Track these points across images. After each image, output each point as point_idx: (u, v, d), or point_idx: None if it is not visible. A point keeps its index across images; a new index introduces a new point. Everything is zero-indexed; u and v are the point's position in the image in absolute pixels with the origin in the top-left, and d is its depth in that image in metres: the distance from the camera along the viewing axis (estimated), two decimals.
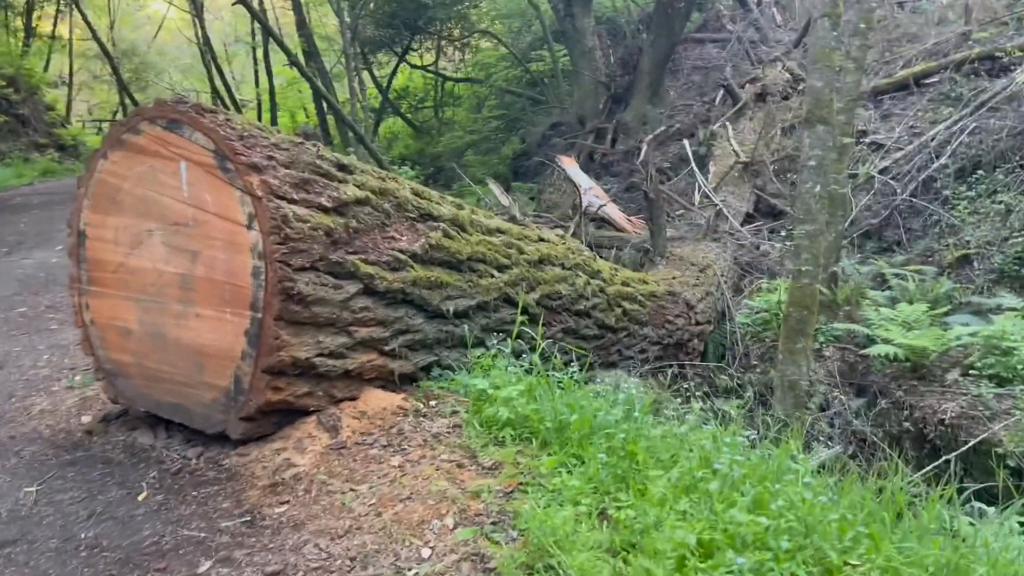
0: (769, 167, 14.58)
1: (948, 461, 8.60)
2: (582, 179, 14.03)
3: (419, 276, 4.97)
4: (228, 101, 26.15)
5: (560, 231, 7.79)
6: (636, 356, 8.96)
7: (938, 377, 9.84)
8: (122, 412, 4.87)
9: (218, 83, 25.27)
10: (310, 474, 4.03)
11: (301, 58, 17.53)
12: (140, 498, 4.00)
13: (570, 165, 14.38)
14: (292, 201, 4.18)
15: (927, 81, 14.72)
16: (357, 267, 4.47)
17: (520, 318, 5.61)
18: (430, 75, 26.69)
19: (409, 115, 26.74)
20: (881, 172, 13.65)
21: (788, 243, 13.34)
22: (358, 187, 4.73)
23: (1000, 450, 8.45)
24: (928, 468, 8.39)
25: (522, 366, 5.30)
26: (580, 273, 7.33)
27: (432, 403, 4.85)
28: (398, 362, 4.94)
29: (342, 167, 4.79)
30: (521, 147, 20.50)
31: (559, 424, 4.31)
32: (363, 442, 4.31)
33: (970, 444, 8.70)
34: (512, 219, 8.94)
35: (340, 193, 4.51)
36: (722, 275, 12.00)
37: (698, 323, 10.52)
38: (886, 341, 9.84)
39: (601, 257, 10.01)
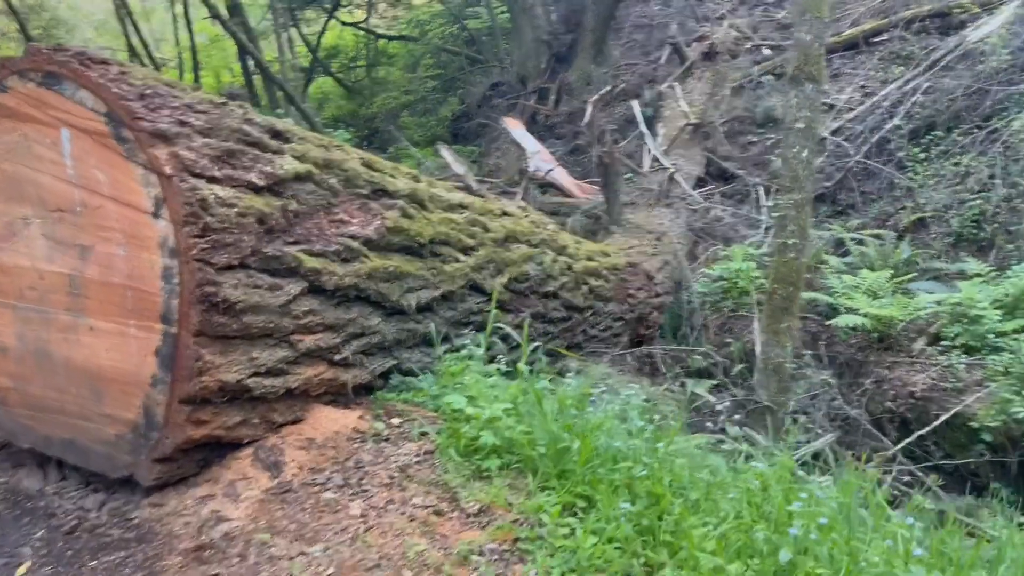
0: (720, 128, 13.80)
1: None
2: (528, 142, 13.04)
3: (375, 267, 3.98)
4: (147, 60, 24.22)
5: (523, 203, 6.88)
6: (600, 335, 8.13)
7: (905, 347, 9.27)
8: (1, 447, 3.79)
9: (135, 40, 23.29)
10: (246, 531, 3.06)
11: (224, 13, 16.03)
12: (19, 573, 2.97)
13: (516, 127, 13.36)
14: (213, 180, 3.14)
15: (877, 39, 14.07)
16: (299, 261, 3.46)
17: (493, 310, 4.68)
18: (361, 33, 25.15)
19: (341, 75, 25.17)
20: (833, 133, 13.01)
21: (747, 209, 12.65)
22: (297, 159, 3.70)
23: (975, 424, 7.91)
24: (900, 445, 7.83)
25: (499, 369, 4.39)
26: (547, 250, 6.41)
27: (395, 421, 3.90)
28: (351, 372, 3.97)
29: (277, 134, 3.75)
30: (460, 108, 19.30)
31: (556, 451, 3.41)
32: (313, 481, 3.34)
33: (942, 419, 8.16)
34: (468, 189, 7.97)
35: (275, 167, 3.48)
36: (678, 242, 11.24)
37: (658, 295, 9.73)
38: (852, 311, 9.21)
39: None
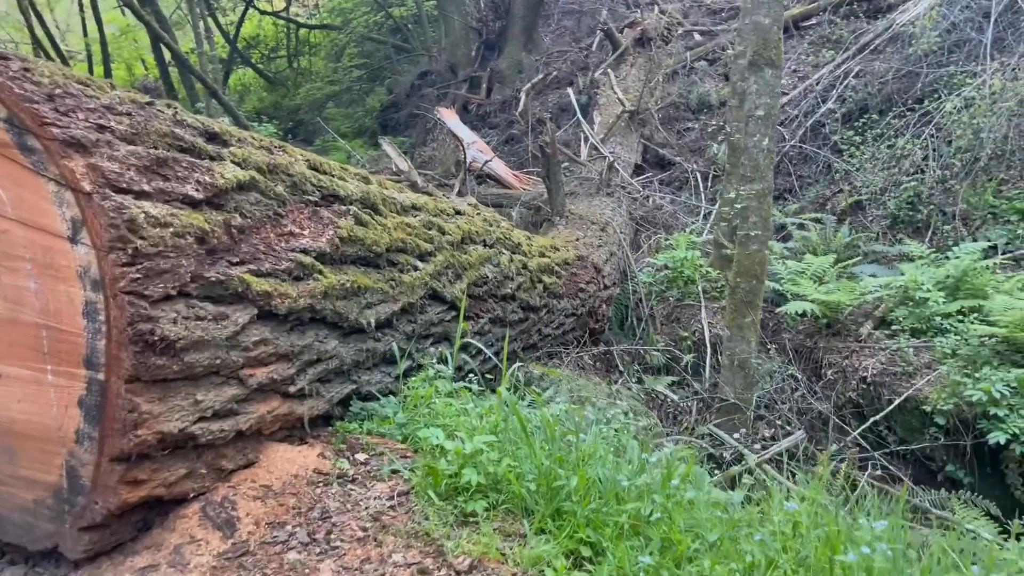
0: (655, 116, 13.55)
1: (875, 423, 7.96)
2: (464, 133, 12.55)
3: (330, 284, 3.49)
4: (53, 54, 22.77)
5: (473, 200, 6.43)
6: (554, 333, 7.76)
7: (852, 332, 9.15)
8: None
9: (40, 32, 21.86)
10: None
11: (135, 1, 15.01)
12: None
13: (451, 118, 12.85)
14: (142, 195, 2.61)
15: (806, 23, 14.02)
16: (247, 284, 2.95)
17: (462, 324, 4.23)
18: (282, 22, 24.15)
19: (261, 66, 24.15)
20: None
21: (686, 196, 12.43)
22: (238, 165, 3.18)
23: (927, 407, 7.80)
24: (854, 433, 7.69)
25: (469, 387, 3.95)
26: (503, 250, 5.98)
27: (360, 457, 3.42)
28: (307, 403, 3.47)
29: (213, 137, 3.22)
30: (388, 98, 18.63)
31: (549, 487, 3.00)
32: (274, 540, 2.85)
33: (895, 403, 8.05)
34: (414, 186, 7.46)
35: (214, 176, 2.96)
36: (621, 232, 10.94)
37: (606, 287, 9.41)
38: (799, 297, 9.06)
39: None
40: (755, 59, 5.80)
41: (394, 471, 3.28)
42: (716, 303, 9.96)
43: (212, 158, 3.06)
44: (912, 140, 10.93)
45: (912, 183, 10.68)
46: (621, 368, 7.67)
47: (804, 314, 8.96)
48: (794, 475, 6.09)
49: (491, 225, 6.06)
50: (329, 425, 3.77)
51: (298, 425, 3.49)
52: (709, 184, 12.70)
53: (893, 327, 8.68)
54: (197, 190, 2.84)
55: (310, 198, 3.63)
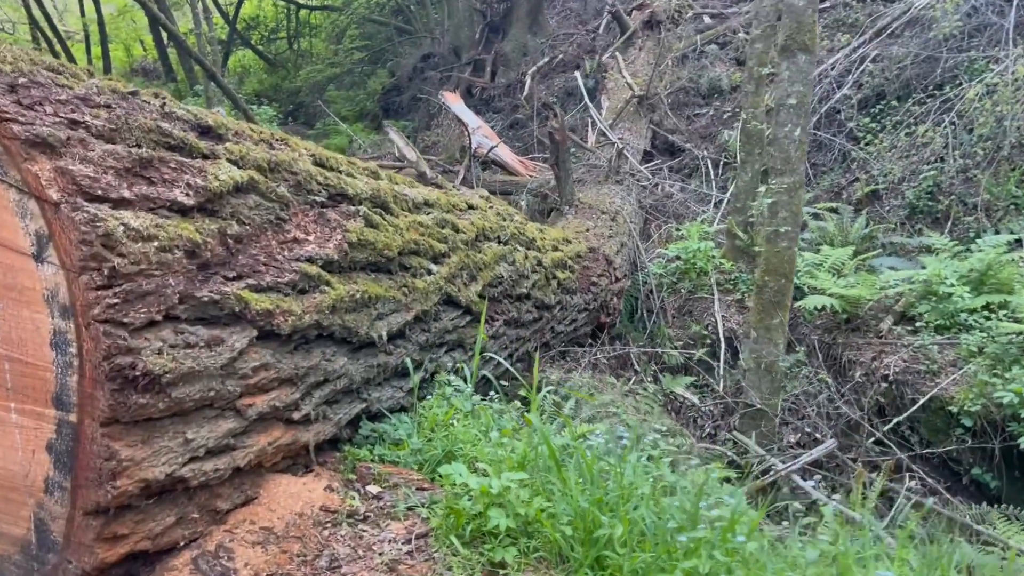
0: (665, 101, 13.09)
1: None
2: (470, 117, 12.10)
3: (339, 296, 3.09)
4: (51, 35, 22.20)
5: (485, 192, 6.03)
6: (566, 330, 7.38)
7: (872, 327, 8.77)
8: None
9: (36, 12, 21.29)
10: None
11: None
12: None
13: (455, 102, 12.39)
14: (121, 203, 2.20)
15: (821, 6, 13.51)
16: (246, 303, 2.55)
17: (481, 336, 3.83)
18: (282, 2, 23.56)
19: (261, 47, 23.58)
20: None
21: (696, 183, 12.00)
22: (235, 163, 2.77)
23: (953, 408, 7.43)
24: (873, 436, 7.32)
25: (490, 405, 3.56)
26: (517, 246, 5.58)
27: (372, 490, 3.04)
28: (313, 428, 3.08)
29: (206, 131, 2.81)
30: (390, 81, 18.11)
31: (588, 534, 2.62)
32: None
33: (919, 403, 7.68)
34: (422, 177, 7.04)
35: (207, 178, 2.55)
36: (631, 222, 10.53)
37: (617, 279, 9.02)
38: (818, 291, 8.68)
39: None
40: (787, 43, 5.37)
41: (410, 508, 2.89)
42: (730, 296, 9.58)
43: (205, 156, 2.65)
44: (932, 127, 10.50)
45: (932, 172, 10.26)
46: (637, 368, 7.28)
47: (822, 309, 8.58)
48: (832, 488, 5.75)
49: (505, 220, 5.66)
50: (336, 449, 3.39)
51: (303, 452, 3.10)
52: (720, 171, 12.26)
53: (916, 323, 8.31)
54: (187, 195, 2.44)
55: (316, 198, 3.22)
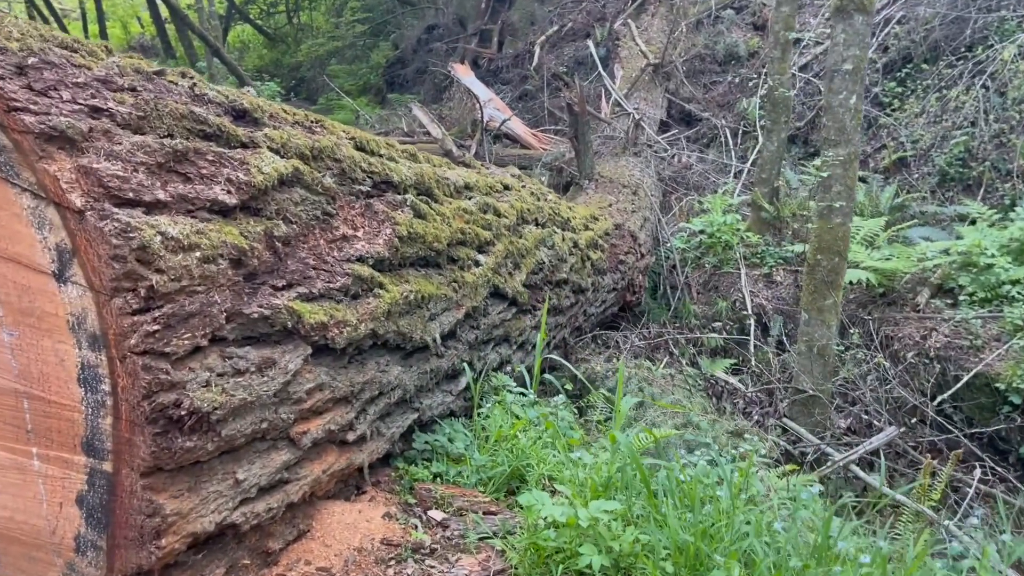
0: (680, 69, 12.62)
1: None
2: (480, 90, 11.64)
3: (393, 298, 2.71)
4: (47, 11, 21.58)
5: (516, 170, 5.64)
6: (596, 312, 7.02)
7: (908, 300, 8.40)
8: None
9: None
10: None
11: None
12: None
13: (466, 74, 11.91)
14: (157, 206, 1.82)
15: None
16: (299, 316, 2.17)
17: (542, 336, 3.46)
18: None
19: (260, 21, 22.96)
20: (801, 69, 11.99)
21: (714, 153, 11.57)
22: (277, 152, 2.38)
23: (1000, 385, 7.08)
24: (931, 410, 6.98)
25: (553, 412, 3.20)
26: (555, 228, 5.19)
27: (435, 516, 2.68)
28: (368, 447, 2.72)
29: (241, 114, 2.42)
30: (395, 54, 17.56)
31: (691, 570, 2.27)
32: None
33: (963, 381, 7.33)
34: (449, 156, 6.63)
35: (251, 172, 2.16)
36: (652, 195, 10.13)
37: (642, 255, 8.65)
38: (852, 264, 8.30)
39: None
40: (843, 4, 4.95)
41: (482, 538, 2.54)
42: (756, 270, 9.21)
43: (244, 145, 2.26)
44: (963, 91, 10.06)
45: (963, 137, 9.83)
46: (673, 350, 6.92)
47: (856, 283, 8.22)
48: (891, 478, 5.43)
49: (540, 199, 5.27)
50: (388, 464, 3.04)
51: (355, 474, 2.75)
52: (739, 141, 11.83)
53: (955, 296, 7.95)
54: (229, 192, 2.05)
55: (361, 188, 2.83)
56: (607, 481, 2.57)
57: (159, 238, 1.73)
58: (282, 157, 2.38)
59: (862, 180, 10.26)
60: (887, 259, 8.26)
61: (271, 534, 2.28)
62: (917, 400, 5.90)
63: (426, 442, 3.05)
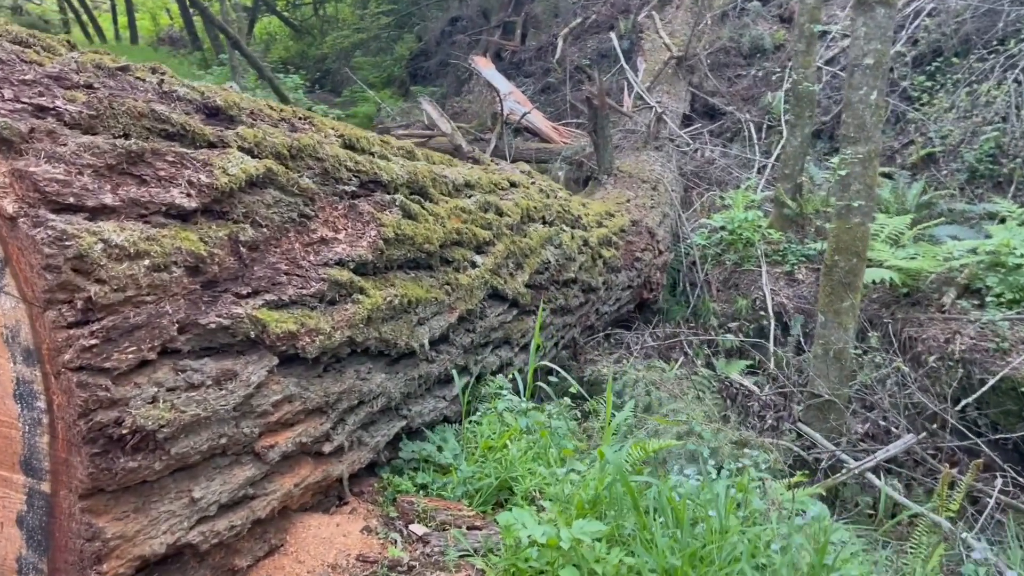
0: (704, 62, 12.37)
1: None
2: (501, 83, 11.49)
3: (375, 304, 2.59)
4: (77, 3, 21.75)
5: (526, 166, 5.50)
6: (610, 311, 6.87)
7: (934, 301, 8.14)
8: None
9: None
10: None
11: None
12: None
13: (487, 67, 11.77)
14: (102, 211, 1.71)
15: None
16: (264, 325, 2.06)
17: (536, 341, 3.33)
18: None
19: (286, 13, 22.94)
20: (827, 63, 11.69)
21: (737, 148, 11.34)
22: (249, 152, 2.27)
23: None
24: (952, 414, 6.74)
25: (547, 420, 3.07)
26: (563, 226, 5.05)
27: (416, 530, 2.57)
28: (347, 458, 2.61)
29: (214, 112, 2.31)
30: (418, 46, 17.43)
31: None
32: None
33: (988, 384, 7.07)
34: (458, 151, 6.50)
35: (214, 173, 2.05)
36: (672, 190, 9.93)
37: (660, 252, 8.48)
38: (876, 263, 8.05)
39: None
40: None
41: (463, 555, 2.42)
42: (778, 268, 9.00)
43: (212, 145, 2.15)
44: (994, 85, 9.73)
45: (994, 133, 9.51)
46: (688, 351, 6.75)
47: (879, 282, 7.98)
48: (908, 487, 5.23)
49: (548, 197, 5.12)
50: (374, 473, 2.92)
51: (335, 485, 2.64)
52: (763, 135, 11.58)
53: (982, 297, 7.68)
54: (188, 195, 1.94)
55: (346, 188, 2.71)
56: (595, 498, 2.43)
57: (100, 246, 1.62)
58: (255, 157, 2.27)
59: (888, 176, 9.97)
60: (912, 258, 8.01)
61: (238, 551, 2.18)
62: (937, 406, 5.67)
63: (413, 451, 2.94)
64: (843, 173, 5.00)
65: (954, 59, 10.37)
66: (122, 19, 22.39)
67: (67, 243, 1.56)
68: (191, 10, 18.87)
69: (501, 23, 15.56)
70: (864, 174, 4.96)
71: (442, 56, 15.89)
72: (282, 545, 2.38)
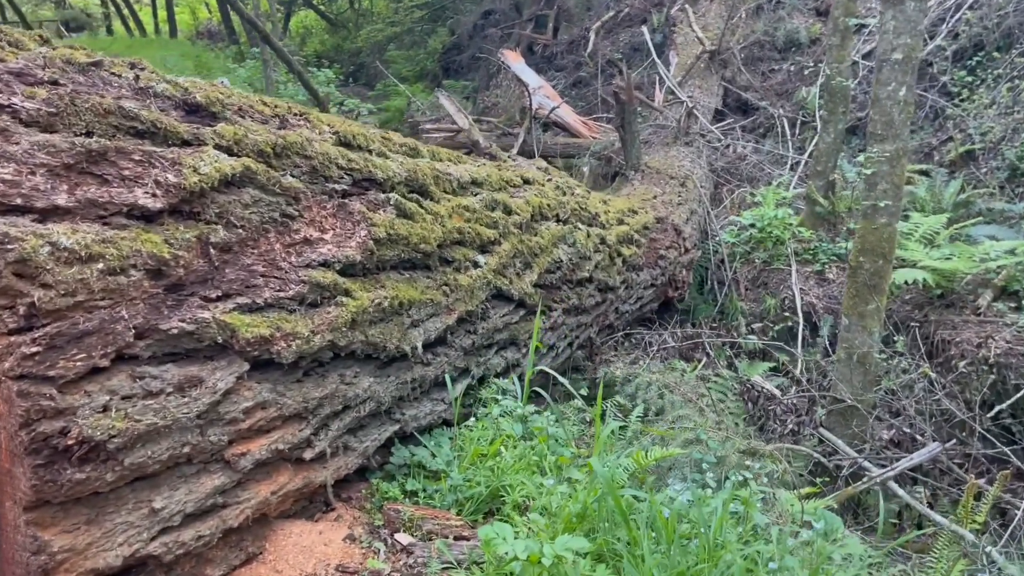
0: (738, 56, 12.11)
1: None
2: (530, 77, 11.36)
3: (361, 306, 2.51)
4: None
5: (543, 163, 5.38)
6: (630, 310, 6.73)
7: (968, 303, 7.86)
8: None
9: None
10: None
11: None
12: None
13: (516, 61, 11.65)
14: (53, 213, 1.65)
15: None
16: (233, 330, 1.99)
17: (534, 344, 3.23)
18: None
19: (322, 7, 23.03)
20: (865, 57, 11.37)
21: (770, 144, 11.09)
22: (227, 149, 2.19)
23: None
24: (983, 421, 6.50)
25: (546, 426, 2.97)
26: (578, 224, 4.93)
27: (401, 540, 2.48)
28: (332, 464, 2.53)
29: (194, 109, 2.24)
30: (451, 40, 17.36)
31: None
32: None
33: None
34: (475, 146, 6.41)
35: (184, 173, 1.98)
36: (701, 187, 9.73)
37: (687, 250, 8.31)
38: (909, 264, 7.79)
39: (554, 166, 7.63)
40: None
41: (446, 568, 2.33)
42: (808, 267, 8.77)
43: (186, 143, 2.08)
44: None
45: None
46: (709, 351, 6.59)
47: (912, 283, 7.72)
48: (934, 497, 5.03)
49: (564, 194, 5.00)
50: (365, 478, 2.85)
51: (320, 491, 2.56)
52: (797, 131, 11.31)
53: (1022, 299, 7.40)
54: (153, 195, 1.87)
55: (336, 187, 2.63)
56: (583, 511, 2.33)
57: (47, 249, 1.56)
58: (233, 155, 2.20)
59: (925, 174, 9.67)
60: (947, 258, 7.73)
61: (210, 560, 2.11)
62: (965, 415, 5.45)
63: (406, 456, 2.85)
64: (869, 172, 4.81)
65: (995, 54, 10.01)
66: (162, 13, 22.65)
67: (9, 246, 1.49)
68: (229, 4, 19.00)
69: (533, 17, 15.41)
70: (892, 173, 4.76)
71: (474, 50, 15.79)
72: (260, 553, 2.31)
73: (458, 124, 7.56)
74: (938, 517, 4.37)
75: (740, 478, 2.62)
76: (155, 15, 23.23)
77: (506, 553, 2.10)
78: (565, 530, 2.29)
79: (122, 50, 20.13)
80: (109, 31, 22.74)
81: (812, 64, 11.71)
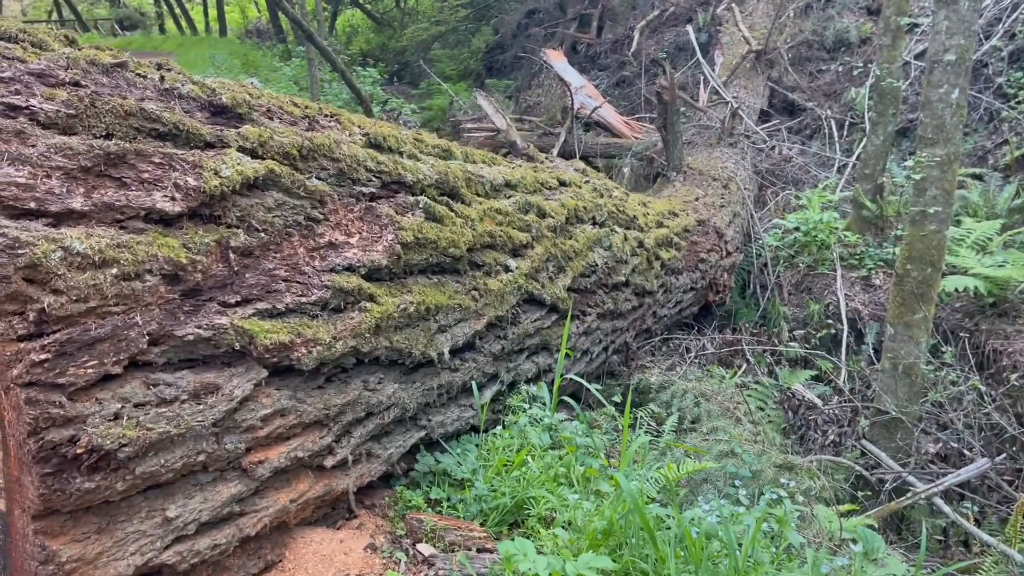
0: (785, 56, 11.86)
1: None
2: (573, 76, 11.26)
3: (386, 312, 2.46)
4: None
5: (581, 164, 5.29)
6: (669, 314, 6.60)
7: (1022, 312, 7.58)
8: None
9: None
10: None
11: None
12: None
13: (558, 60, 11.55)
14: (68, 217, 1.62)
15: None
16: (251, 336, 1.95)
17: (563, 351, 3.15)
18: None
19: (368, 6, 23.17)
20: (917, 57, 11.05)
21: (817, 146, 10.84)
22: (251, 152, 2.16)
23: None
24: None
25: (574, 435, 2.89)
26: (615, 227, 4.83)
27: (423, 551, 2.43)
28: (354, 472, 2.49)
29: (220, 111, 2.21)
30: (494, 39, 17.33)
31: None
32: None
33: None
34: (512, 147, 6.34)
35: (204, 176, 1.94)
36: (745, 189, 9.54)
37: (728, 253, 8.14)
38: (960, 271, 7.53)
39: (594, 168, 7.52)
40: None
41: None
42: (854, 272, 8.54)
43: (209, 145, 2.05)
44: None
45: None
46: (749, 358, 6.44)
47: (963, 291, 7.47)
48: (982, 515, 4.84)
49: (601, 196, 4.91)
50: (389, 485, 2.80)
51: (342, 498, 2.52)
52: (845, 133, 11.04)
53: None
54: (172, 199, 1.84)
55: (364, 189, 2.59)
56: (608, 528, 2.25)
57: (60, 254, 1.53)
58: (257, 157, 2.16)
59: (978, 178, 9.37)
60: (1000, 266, 7.47)
61: (226, 568, 2.08)
62: (1016, 429, 5.23)
63: (431, 464, 2.80)
64: (918, 177, 4.64)
65: None
66: (212, 12, 23.00)
67: (19, 251, 1.46)
68: (277, 2, 19.20)
69: (577, 16, 15.30)
70: (942, 178, 4.58)
71: (518, 49, 15.73)
72: (280, 561, 2.28)
73: (496, 124, 7.50)
74: (986, 536, 4.19)
75: (775, 496, 2.51)
76: (206, 14, 23.61)
77: (527, 570, 2.03)
78: (590, 546, 2.21)
79: (173, 48, 20.48)
80: (162, 29, 23.17)
81: (862, 64, 11.43)
